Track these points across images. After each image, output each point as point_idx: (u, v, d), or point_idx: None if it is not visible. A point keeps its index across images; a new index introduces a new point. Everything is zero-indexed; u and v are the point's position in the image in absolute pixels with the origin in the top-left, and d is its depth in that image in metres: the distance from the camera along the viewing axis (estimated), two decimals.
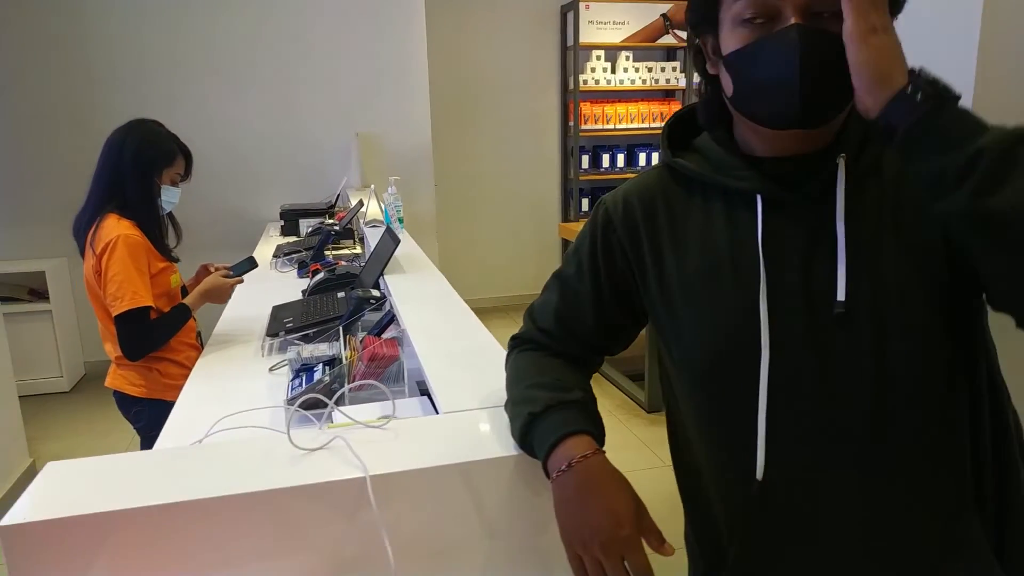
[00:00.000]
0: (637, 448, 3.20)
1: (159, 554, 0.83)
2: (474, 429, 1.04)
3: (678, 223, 0.87)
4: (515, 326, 1.02)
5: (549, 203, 5.67)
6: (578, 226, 4.36)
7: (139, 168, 1.92)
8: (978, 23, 2.01)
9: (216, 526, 0.85)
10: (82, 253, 1.94)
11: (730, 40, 0.76)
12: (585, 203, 5.52)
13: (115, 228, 1.87)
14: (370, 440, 0.98)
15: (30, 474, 2.98)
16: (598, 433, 0.87)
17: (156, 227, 1.98)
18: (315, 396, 1.07)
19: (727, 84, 0.79)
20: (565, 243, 5.48)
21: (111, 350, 1.98)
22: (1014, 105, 2.00)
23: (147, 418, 1.94)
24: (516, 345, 1.02)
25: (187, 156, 2.03)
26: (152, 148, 1.94)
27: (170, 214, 2.04)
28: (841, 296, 0.75)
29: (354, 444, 0.95)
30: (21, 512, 0.81)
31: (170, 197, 2.00)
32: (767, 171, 0.80)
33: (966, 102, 0.65)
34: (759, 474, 0.79)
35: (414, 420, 1.11)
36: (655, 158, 5.49)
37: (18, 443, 3.09)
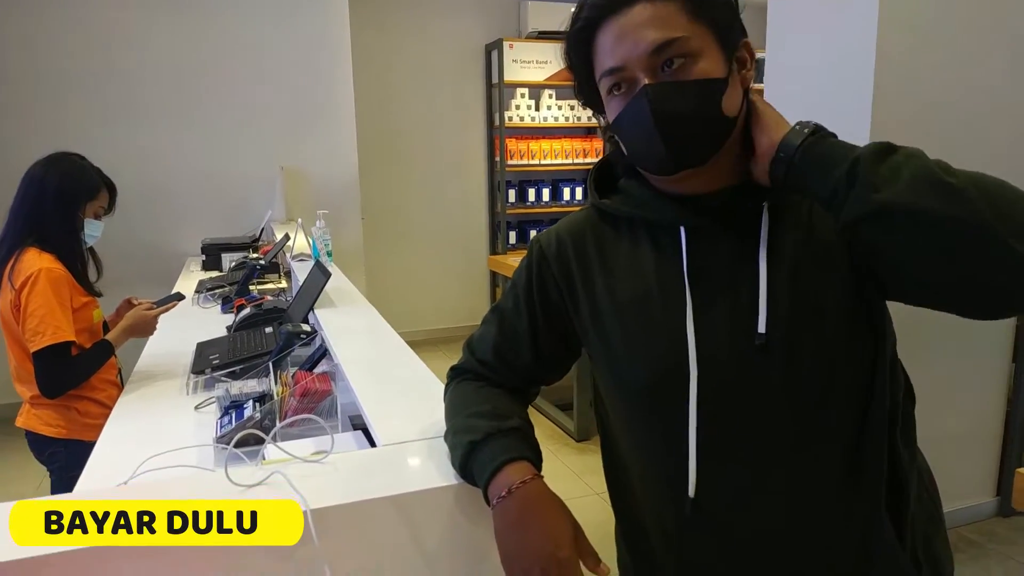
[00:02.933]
0: (568, 477, 3.24)
1: None
2: (413, 460, 1.05)
3: (607, 255, 0.92)
4: (445, 359, 1.05)
5: (477, 236, 5.73)
6: (506, 258, 4.42)
7: (61, 202, 1.86)
8: (871, 78, 2.18)
9: (152, 568, 0.83)
10: None
11: (609, 111, 0.86)
12: (513, 236, 5.60)
13: (36, 262, 1.80)
14: (309, 475, 0.97)
15: None
16: (536, 459, 0.89)
17: (78, 261, 1.92)
18: (251, 432, 1.05)
19: (622, 146, 0.87)
20: (494, 275, 5.53)
21: (24, 390, 1.89)
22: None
23: (64, 459, 1.84)
24: (455, 376, 1.05)
25: (111, 189, 1.99)
26: (75, 182, 1.89)
27: (90, 248, 1.98)
28: (762, 328, 0.81)
29: (293, 479, 0.94)
30: None
31: (93, 231, 1.95)
32: (688, 205, 0.86)
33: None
34: (691, 492, 0.83)
35: (353, 453, 1.11)
36: (579, 192, 5.64)
37: None
